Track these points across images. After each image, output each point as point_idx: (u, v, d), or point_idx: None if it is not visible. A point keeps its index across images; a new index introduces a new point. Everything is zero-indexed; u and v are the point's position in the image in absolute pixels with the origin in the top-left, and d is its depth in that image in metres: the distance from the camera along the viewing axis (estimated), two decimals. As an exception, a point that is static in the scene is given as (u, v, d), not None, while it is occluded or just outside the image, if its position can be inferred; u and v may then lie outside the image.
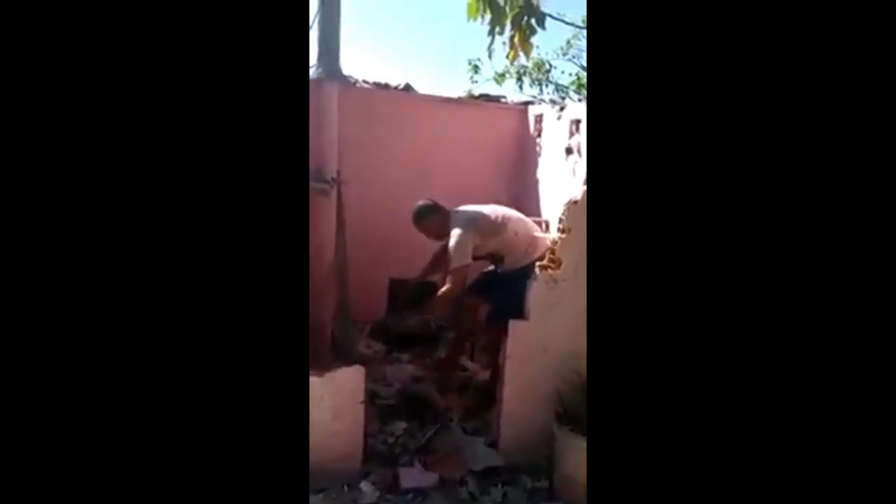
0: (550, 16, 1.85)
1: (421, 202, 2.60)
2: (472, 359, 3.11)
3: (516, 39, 1.81)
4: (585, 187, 2.04)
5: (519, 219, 2.57)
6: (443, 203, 2.92)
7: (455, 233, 2.36)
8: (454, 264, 2.35)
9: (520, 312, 2.16)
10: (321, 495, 1.89)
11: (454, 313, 2.68)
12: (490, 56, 1.94)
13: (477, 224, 2.41)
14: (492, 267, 2.62)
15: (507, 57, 1.91)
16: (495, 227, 2.45)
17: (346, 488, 1.94)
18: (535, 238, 2.54)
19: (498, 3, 1.83)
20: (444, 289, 2.44)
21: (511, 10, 1.79)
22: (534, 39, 1.89)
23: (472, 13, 1.85)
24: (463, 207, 2.54)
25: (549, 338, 2.09)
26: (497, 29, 1.81)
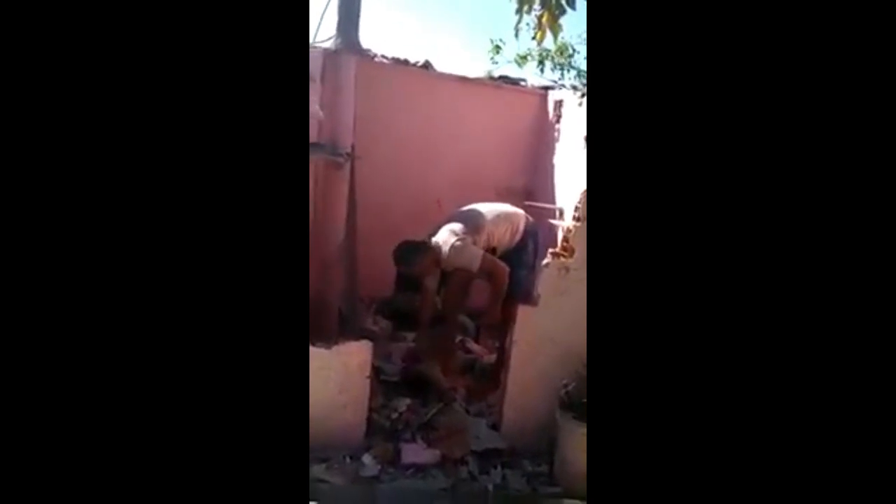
0: (581, -4, 1.80)
1: (403, 243, 2.44)
2: (477, 341, 3.12)
3: (545, 19, 1.77)
4: (586, 180, 2.02)
5: (493, 209, 2.58)
6: (454, 183, 2.89)
7: (448, 247, 2.33)
8: (475, 265, 2.34)
9: (523, 290, 2.18)
10: (324, 465, 1.92)
11: (447, 295, 2.68)
12: (517, 35, 1.90)
13: (463, 228, 2.41)
14: None
15: (535, 37, 1.86)
16: (476, 225, 2.46)
17: (348, 460, 1.97)
18: (513, 218, 2.58)
19: (528, -19, 1.78)
20: (494, 280, 2.43)
21: (541, -12, 1.74)
22: (562, 20, 1.84)
23: (501, -10, 1.80)
24: (437, 230, 2.47)
25: (557, 325, 2.09)
26: (525, 8, 1.76)
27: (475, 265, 2.34)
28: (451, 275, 2.50)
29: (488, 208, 2.58)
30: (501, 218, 2.55)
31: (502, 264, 2.40)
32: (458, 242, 2.34)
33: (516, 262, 2.45)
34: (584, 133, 3.04)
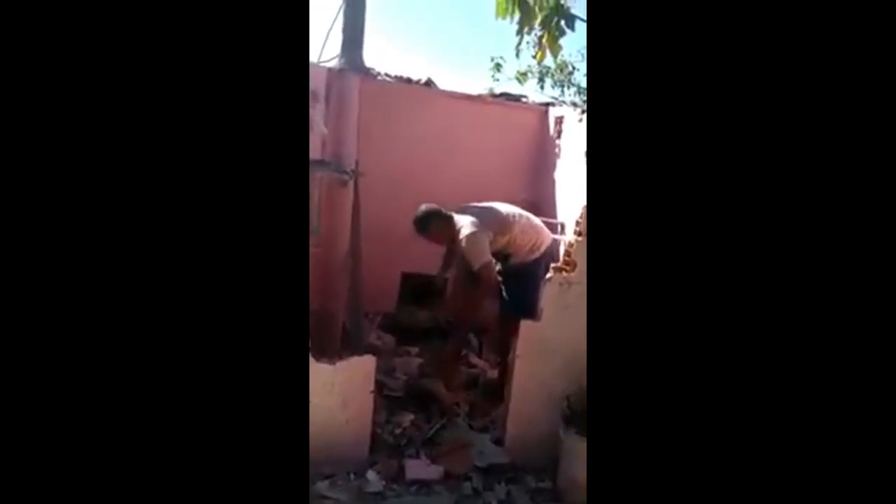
0: (579, 18, 1.85)
1: (422, 208, 2.50)
2: (480, 356, 3.12)
3: (545, 40, 1.81)
4: (586, 194, 2.04)
5: (524, 216, 2.57)
6: (458, 199, 2.92)
7: (468, 234, 2.34)
8: (477, 264, 2.34)
9: (530, 309, 2.19)
10: (327, 482, 1.91)
11: (456, 307, 2.69)
12: (517, 55, 1.95)
13: (487, 223, 2.41)
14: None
15: (535, 57, 1.91)
16: (503, 224, 2.45)
17: (352, 476, 1.96)
18: (539, 234, 2.56)
19: (527, 3, 1.83)
20: (476, 290, 2.44)
21: (540, 10, 1.79)
22: (561, 41, 1.89)
23: (501, 12, 1.85)
24: (467, 206, 2.51)
25: (560, 339, 2.09)
26: (526, 29, 1.81)
27: (476, 265, 2.33)
28: (461, 285, 2.51)
29: (520, 214, 2.55)
30: (529, 230, 2.52)
31: (497, 280, 2.39)
32: (477, 235, 2.32)
33: (528, 277, 2.42)
34: (585, 148, 3.08)
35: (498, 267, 2.60)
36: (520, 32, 1.84)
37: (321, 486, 1.89)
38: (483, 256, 2.33)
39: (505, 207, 2.55)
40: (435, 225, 2.46)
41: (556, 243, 2.67)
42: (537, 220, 2.63)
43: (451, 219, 2.45)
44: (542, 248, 2.52)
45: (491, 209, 2.52)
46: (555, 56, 1.88)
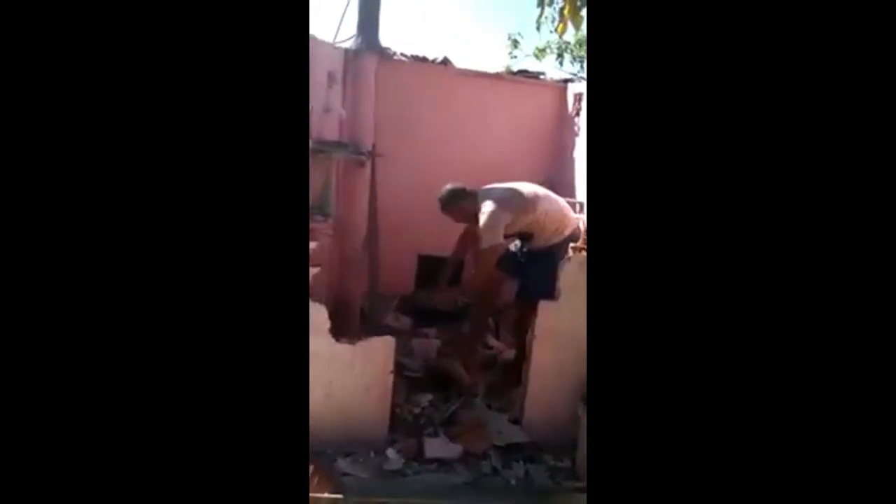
0: (602, -12, 1.78)
1: (448, 186, 2.47)
2: (497, 337, 3.12)
3: (566, 11, 1.76)
4: (586, 183, 2.00)
5: (550, 197, 2.51)
6: (475, 179, 2.90)
7: (487, 211, 2.31)
8: (485, 244, 2.32)
9: (549, 292, 2.17)
10: (349, 459, 1.95)
11: (478, 289, 2.69)
12: (538, 28, 1.89)
13: (509, 202, 2.37)
14: (517, 244, 2.58)
15: (556, 30, 1.85)
16: (526, 205, 2.40)
17: (372, 454, 2.00)
18: (565, 217, 2.50)
19: (548, -26, 1.76)
20: (475, 270, 2.44)
21: (562, -19, 1.73)
22: (583, 13, 1.82)
23: (521, -17, 1.79)
24: (492, 185, 2.47)
25: (577, 320, 2.06)
26: (547, 0, 1.75)
27: (485, 244, 2.32)
28: (480, 269, 2.50)
29: (547, 195, 2.49)
30: (554, 212, 2.47)
31: (494, 268, 2.39)
32: (495, 214, 2.29)
33: (549, 261, 2.34)
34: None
35: (523, 247, 2.56)
36: (541, 4, 1.78)
37: (342, 464, 1.92)
38: (495, 237, 2.30)
39: (530, 187, 2.50)
40: (459, 202, 2.44)
41: (578, 229, 2.61)
42: (564, 203, 2.57)
43: (474, 196, 2.42)
44: (566, 232, 2.47)
45: (516, 189, 2.46)
46: (577, 28, 1.82)
